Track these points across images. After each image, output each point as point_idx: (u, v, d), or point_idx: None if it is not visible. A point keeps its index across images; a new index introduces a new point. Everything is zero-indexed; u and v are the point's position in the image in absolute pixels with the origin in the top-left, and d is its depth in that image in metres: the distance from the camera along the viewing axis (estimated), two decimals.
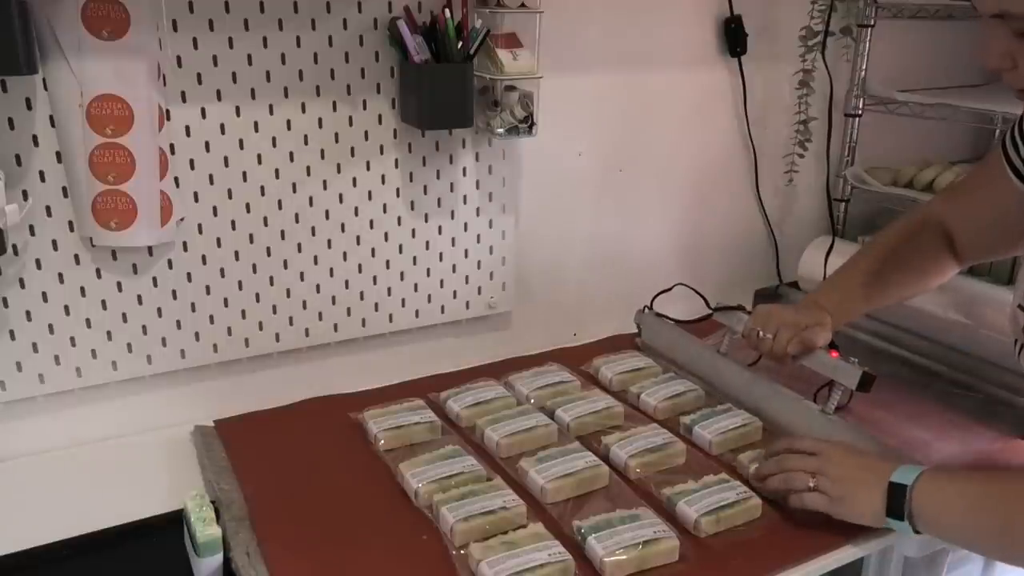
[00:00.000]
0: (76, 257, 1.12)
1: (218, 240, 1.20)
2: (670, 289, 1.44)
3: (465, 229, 1.39)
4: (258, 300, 1.25)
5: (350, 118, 1.24)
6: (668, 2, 1.46)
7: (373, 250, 1.32)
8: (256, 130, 1.18)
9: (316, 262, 1.28)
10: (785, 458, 1.03)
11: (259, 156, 1.19)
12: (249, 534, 0.97)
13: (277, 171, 1.21)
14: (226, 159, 1.17)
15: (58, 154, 1.06)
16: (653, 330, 1.46)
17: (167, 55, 1.08)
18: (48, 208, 1.08)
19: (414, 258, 1.36)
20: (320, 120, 1.22)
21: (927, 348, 1.42)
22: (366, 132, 1.26)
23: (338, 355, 1.36)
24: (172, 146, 1.13)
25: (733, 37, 1.53)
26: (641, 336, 1.49)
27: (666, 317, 1.44)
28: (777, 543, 0.98)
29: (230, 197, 1.19)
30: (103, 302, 1.15)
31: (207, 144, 1.15)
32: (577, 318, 1.58)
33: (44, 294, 1.11)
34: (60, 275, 1.12)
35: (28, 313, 1.11)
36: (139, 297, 1.17)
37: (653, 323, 1.45)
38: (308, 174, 1.23)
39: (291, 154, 1.21)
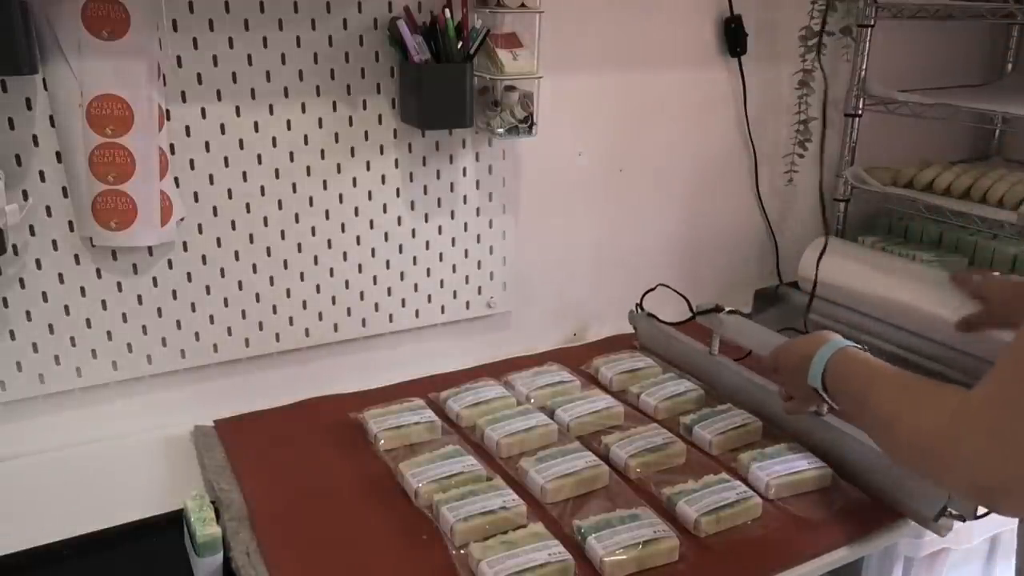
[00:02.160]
0: (76, 257, 1.12)
1: (218, 240, 1.20)
2: (653, 289, 1.44)
3: (465, 229, 1.39)
4: (258, 300, 1.25)
5: (350, 118, 1.24)
6: (668, 2, 1.46)
7: (373, 250, 1.32)
8: (256, 130, 1.18)
9: (316, 262, 1.28)
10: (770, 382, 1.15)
11: (259, 156, 1.19)
12: (249, 534, 0.97)
13: (277, 171, 1.21)
14: (226, 159, 1.17)
15: (58, 154, 1.06)
16: (648, 331, 1.46)
17: (167, 55, 1.08)
18: (48, 208, 1.08)
19: (414, 258, 1.36)
20: (320, 120, 1.22)
21: (928, 348, 1.42)
22: (366, 132, 1.26)
23: (338, 355, 1.36)
24: (172, 146, 1.13)
25: (733, 37, 1.53)
26: (638, 337, 1.49)
27: (656, 318, 1.44)
28: (777, 543, 0.98)
29: (230, 197, 1.19)
30: (103, 302, 1.15)
31: (207, 144, 1.15)
32: (577, 318, 1.58)
33: (44, 294, 1.11)
34: (60, 275, 1.12)
35: (28, 313, 1.11)
36: (139, 297, 1.17)
37: (647, 324, 1.46)
38: (308, 174, 1.23)
39: (291, 154, 1.21)
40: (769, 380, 1.20)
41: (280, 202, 1.23)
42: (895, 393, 0.85)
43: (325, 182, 1.25)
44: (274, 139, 1.19)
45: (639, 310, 1.47)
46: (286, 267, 1.26)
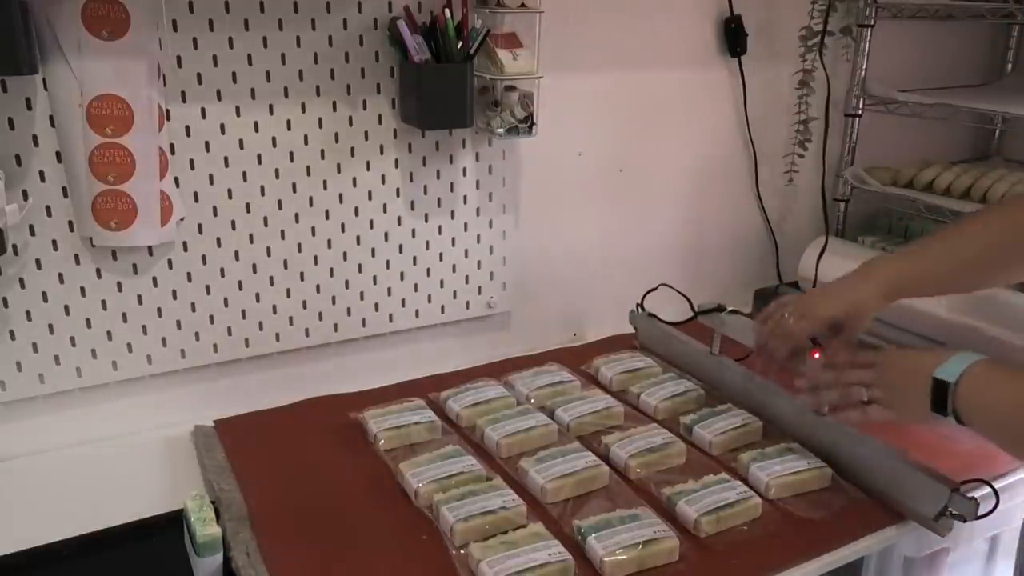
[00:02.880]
0: (76, 257, 1.12)
1: (218, 240, 1.20)
2: (655, 289, 1.44)
3: (465, 229, 1.39)
4: (258, 300, 1.25)
5: (350, 118, 1.24)
6: (668, 2, 1.46)
7: (373, 250, 1.32)
8: (256, 130, 1.18)
9: (316, 262, 1.28)
10: (844, 373, 1.02)
11: (259, 156, 1.19)
12: (249, 534, 0.97)
13: (277, 171, 1.21)
14: (226, 159, 1.17)
15: (58, 154, 1.06)
16: (648, 330, 1.46)
17: (167, 55, 1.08)
18: (48, 208, 1.08)
19: (414, 258, 1.36)
20: (320, 120, 1.22)
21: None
22: (366, 132, 1.26)
23: (338, 355, 1.36)
24: (172, 146, 1.13)
25: (733, 37, 1.53)
26: (638, 337, 1.49)
27: (657, 318, 1.43)
28: (777, 543, 0.98)
29: (230, 197, 1.19)
30: (103, 302, 1.15)
31: (207, 144, 1.15)
32: (577, 318, 1.58)
33: (44, 294, 1.11)
34: (60, 275, 1.12)
35: (28, 313, 1.11)
36: (139, 297, 1.17)
37: (647, 324, 1.45)
38: (308, 174, 1.23)
39: (291, 154, 1.21)
40: (769, 375, 1.18)
41: (280, 202, 1.23)
42: None
43: (325, 182, 1.25)
44: (274, 139, 1.19)
45: (640, 310, 1.47)
46: (286, 267, 1.26)
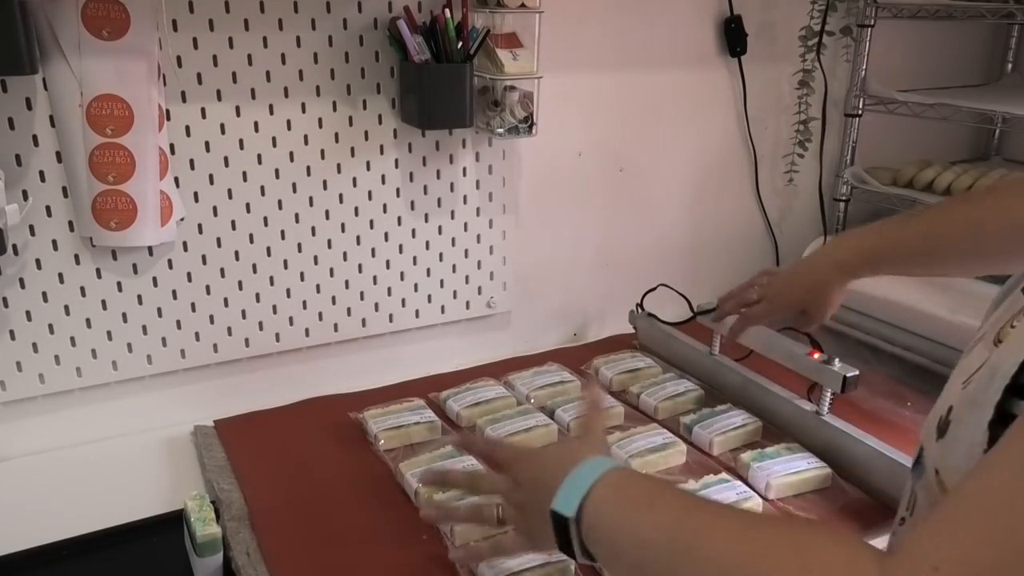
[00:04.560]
0: (76, 257, 1.12)
1: (218, 240, 1.20)
2: (654, 289, 1.44)
3: (465, 229, 1.39)
4: (258, 300, 1.25)
5: (350, 118, 1.24)
6: (668, 2, 1.46)
7: (373, 250, 1.32)
8: (256, 130, 1.18)
9: (316, 262, 1.28)
10: (476, 480, 0.84)
11: (259, 156, 1.19)
12: (249, 534, 0.97)
13: (277, 171, 1.21)
14: (226, 159, 1.17)
15: (58, 154, 1.06)
16: (648, 331, 1.46)
17: (167, 55, 1.08)
18: (48, 208, 1.08)
19: (414, 258, 1.36)
20: (320, 120, 1.22)
21: (928, 348, 1.42)
22: (366, 132, 1.26)
23: (338, 355, 1.36)
24: (172, 146, 1.13)
25: (733, 37, 1.53)
26: (638, 337, 1.49)
27: (656, 318, 1.44)
28: None
29: (230, 197, 1.19)
30: (103, 302, 1.15)
31: (207, 144, 1.15)
32: (577, 318, 1.58)
33: (44, 294, 1.11)
34: (60, 275, 1.12)
35: (28, 313, 1.11)
36: (139, 297, 1.17)
37: (647, 324, 1.46)
38: (308, 174, 1.23)
39: (291, 154, 1.21)
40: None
41: (280, 202, 1.23)
42: (731, 535, 0.54)
43: (325, 182, 1.25)
44: (274, 139, 1.19)
45: (639, 310, 1.47)
46: (286, 267, 1.26)
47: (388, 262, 1.34)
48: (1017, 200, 0.88)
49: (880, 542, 0.99)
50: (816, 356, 1.15)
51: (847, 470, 1.09)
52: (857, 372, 1.11)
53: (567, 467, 0.67)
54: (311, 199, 1.25)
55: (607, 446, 0.78)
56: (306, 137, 1.22)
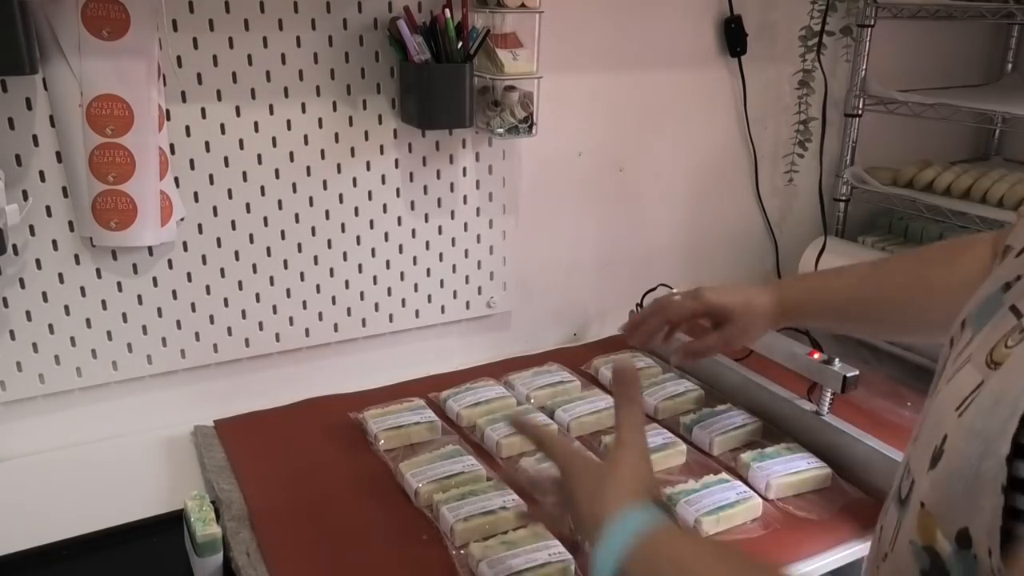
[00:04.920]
0: (76, 257, 1.12)
1: (218, 240, 1.20)
2: (654, 289, 1.44)
3: (465, 229, 1.39)
4: (258, 300, 1.25)
5: (350, 118, 1.24)
6: (668, 2, 1.46)
7: (373, 250, 1.32)
8: (256, 130, 1.18)
9: (316, 262, 1.28)
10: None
11: (259, 156, 1.19)
12: (249, 534, 0.97)
13: (277, 171, 1.21)
14: (226, 159, 1.17)
15: (58, 154, 1.06)
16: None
17: (167, 55, 1.08)
18: (48, 208, 1.08)
19: (414, 258, 1.36)
20: (320, 120, 1.22)
21: (928, 348, 1.42)
22: (366, 132, 1.26)
23: (338, 355, 1.36)
24: (172, 146, 1.13)
25: (733, 37, 1.53)
26: None
27: None
28: (777, 543, 0.98)
29: (230, 197, 1.19)
30: (103, 302, 1.15)
31: (207, 144, 1.15)
32: (577, 318, 1.58)
33: (44, 294, 1.11)
34: (60, 275, 1.12)
35: (28, 313, 1.11)
36: (139, 297, 1.17)
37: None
38: (308, 174, 1.23)
39: (291, 154, 1.21)
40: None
41: (280, 202, 1.23)
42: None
43: (325, 182, 1.25)
44: (274, 139, 1.19)
45: (639, 309, 1.47)
46: (286, 267, 1.26)
47: (388, 262, 1.34)
48: (966, 256, 0.85)
49: None
50: (816, 356, 1.15)
51: (847, 470, 1.09)
52: (857, 372, 1.11)
53: (598, 518, 0.69)
54: (311, 199, 1.25)
55: (649, 462, 0.75)
56: (306, 137, 1.22)
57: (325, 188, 1.25)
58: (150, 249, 1.16)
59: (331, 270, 1.30)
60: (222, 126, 1.15)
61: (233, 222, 1.20)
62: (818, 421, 1.14)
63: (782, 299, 1.02)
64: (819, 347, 1.18)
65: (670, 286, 1.41)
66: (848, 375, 1.11)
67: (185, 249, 1.18)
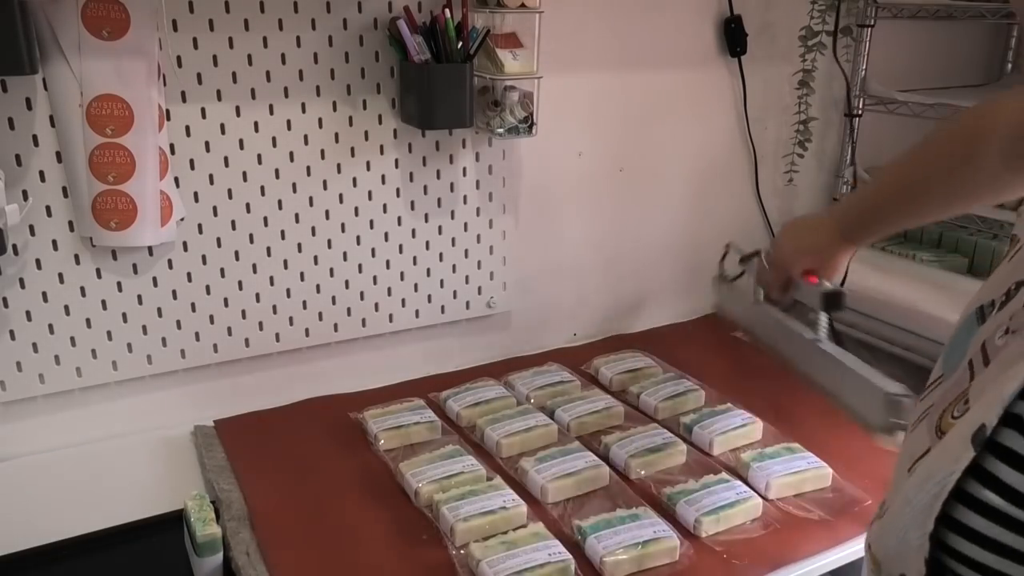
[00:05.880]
0: (76, 257, 1.12)
1: (218, 240, 1.20)
2: (725, 255, 1.33)
3: (465, 229, 1.39)
4: (258, 300, 1.25)
5: (350, 118, 1.24)
6: (668, 2, 1.46)
7: (373, 250, 1.32)
8: (256, 130, 1.18)
9: (316, 262, 1.28)
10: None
11: (259, 156, 1.19)
12: (249, 534, 0.97)
13: (277, 171, 1.21)
14: (226, 159, 1.17)
15: (58, 154, 1.06)
16: (730, 301, 1.31)
17: (167, 55, 1.08)
18: (48, 208, 1.08)
19: (414, 258, 1.36)
20: (320, 120, 1.22)
21: (928, 348, 1.42)
22: (366, 132, 1.26)
23: (338, 355, 1.36)
24: (172, 146, 1.13)
25: (733, 37, 1.53)
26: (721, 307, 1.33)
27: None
28: (777, 543, 0.98)
29: (230, 197, 1.19)
30: (103, 302, 1.15)
31: (207, 144, 1.15)
32: (577, 318, 1.58)
33: (44, 294, 1.11)
34: (60, 275, 1.12)
35: (28, 313, 1.11)
36: (139, 297, 1.17)
37: (729, 295, 1.31)
38: (308, 174, 1.23)
39: (291, 154, 1.21)
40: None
41: (280, 202, 1.23)
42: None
43: (325, 182, 1.25)
44: (274, 139, 1.19)
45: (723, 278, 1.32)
46: (286, 267, 1.26)
47: (388, 262, 1.34)
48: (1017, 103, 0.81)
49: None
50: (815, 281, 1.09)
51: (847, 470, 1.09)
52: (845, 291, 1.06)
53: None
54: (311, 199, 1.25)
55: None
56: (306, 137, 1.22)
57: (325, 188, 1.25)
58: (150, 249, 1.16)
59: (331, 270, 1.30)
60: (222, 126, 1.15)
61: (233, 222, 1.20)
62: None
63: (844, 234, 1.03)
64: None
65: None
66: (828, 291, 1.04)
67: (185, 249, 1.18)
